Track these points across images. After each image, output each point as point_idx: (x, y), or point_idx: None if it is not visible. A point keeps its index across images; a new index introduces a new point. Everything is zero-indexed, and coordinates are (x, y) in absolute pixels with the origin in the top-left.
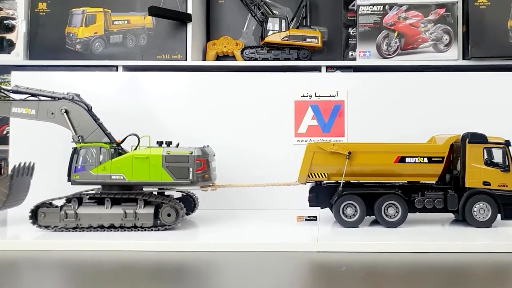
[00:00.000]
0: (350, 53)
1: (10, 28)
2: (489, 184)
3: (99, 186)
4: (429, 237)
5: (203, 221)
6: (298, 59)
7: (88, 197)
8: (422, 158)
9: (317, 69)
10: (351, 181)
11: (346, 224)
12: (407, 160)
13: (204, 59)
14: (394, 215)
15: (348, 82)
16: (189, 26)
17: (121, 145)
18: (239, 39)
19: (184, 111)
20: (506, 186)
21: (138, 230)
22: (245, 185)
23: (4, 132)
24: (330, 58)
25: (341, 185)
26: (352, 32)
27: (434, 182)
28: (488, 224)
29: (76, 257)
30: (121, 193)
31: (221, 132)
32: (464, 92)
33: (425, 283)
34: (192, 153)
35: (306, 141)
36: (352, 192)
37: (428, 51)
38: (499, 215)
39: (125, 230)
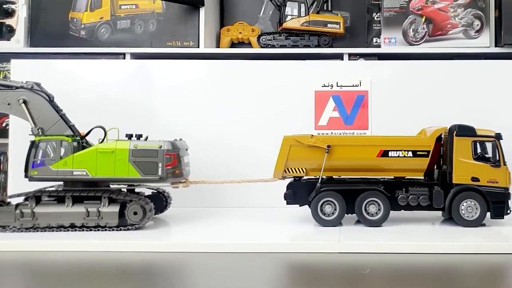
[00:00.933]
0: (374, 39)
1: (10, 13)
2: (478, 180)
3: (62, 183)
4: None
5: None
6: (318, 46)
7: (47, 194)
8: (406, 152)
9: (339, 57)
10: (334, 177)
11: (324, 223)
12: (390, 154)
13: (218, 46)
14: (376, 213)
15: (372, 71)
16: (202, 11)
17: (91, 139)
18: (255, 25)
19: (196, 102)
20: (497, 182)
21: (102, 230)
22: (219, 182)
23: (4, 125)
24: (353, 45)
25: (319, 181)
26: (377, 17)
27: (422, 177)
28: (476, 223)
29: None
30: (83, 190)
31: (235, 124)
32: (496, 81)
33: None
34: (161, 147)
35: (327, 134)
36: (331, 188)
37: (457, 37)
38: (488, 213)
39: (89, 230)
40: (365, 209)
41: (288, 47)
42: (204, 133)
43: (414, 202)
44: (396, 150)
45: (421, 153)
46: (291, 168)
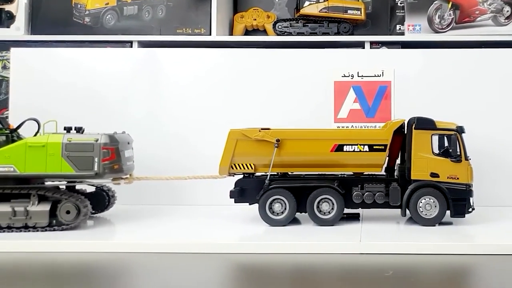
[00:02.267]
0: (398, 27)
1: None
2: (437, 176)
3: None
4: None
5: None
6: (338, 33)
7: None
8: (362, 146)
9: (360, 45)
10: (289, 173)
11: (272, 222)
12: (345, 148)
13: (231, 34)
14: (329, 211)
15: (395, 60)
16: None
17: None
18: (271, 11)
19: (208, 93)
20: (457, 178)
21: (30, 230)
22: (163, 178)
23: (4, 117)
24: (375, 32)
25: (267, 178)
26: (400, 3)
27: (384, 174)
28: (434, 221)
29: None
30: (9, 188)
31: (249, 115)
32: None
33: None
34: (97, 140)
35: (347, 127)
36: (280, 185)
37: (486, 24)
38: (448, 211)
39: (19, 231)
40: (318, 207)
41: (305, 35)
42: (215, 124)
43: (370, 200)
44: (351, 145)
45: (378, 147)
46: (238, 164)
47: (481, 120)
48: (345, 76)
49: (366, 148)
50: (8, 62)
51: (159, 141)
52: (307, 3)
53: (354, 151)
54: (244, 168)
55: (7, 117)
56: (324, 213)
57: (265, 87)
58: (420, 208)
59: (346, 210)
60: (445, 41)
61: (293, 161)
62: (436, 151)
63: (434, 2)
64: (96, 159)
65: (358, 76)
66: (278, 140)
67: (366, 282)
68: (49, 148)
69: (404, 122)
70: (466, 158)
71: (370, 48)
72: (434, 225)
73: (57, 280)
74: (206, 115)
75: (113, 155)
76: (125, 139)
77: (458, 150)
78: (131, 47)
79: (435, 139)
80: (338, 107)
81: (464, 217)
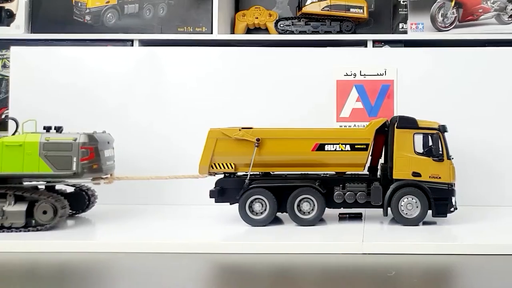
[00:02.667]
0: (401, 25)
1: None
2: (419, 175)
3: None
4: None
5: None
6: (340, 32)
7: None
8: (343, 146)
9: (363, 43)
10: (271, 173)
11: (253, 222)
12: (326, 147)
13: (233, 32)
14: (309, 211)
15: (398, 59)
16: None
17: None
18: (273, 9)
19: (209, 92)
20: (439, 177)
21: (5, 231)
22: (143, 178)
23: (3, 116)
24: (377, 31)
25: (248, 177)
26: (403, 1)
27: (367, 173)
28: (416, 221)
29: None
30: None
31: (251, 115)
32: None
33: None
34: (76, 139)
35: (350, 126)
36: (260, 185)
37: (490, 23)
38: (430, 211)
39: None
40: (298, 207)
41: (308, 33)
42: (216, 124)
43: (351, 199)
44: (333, 144)
45: (359, 146)
46: (218, 164)
47: (484, 119)
48: (347, 75)
49: (348, 147)
50: (8, 60)
51: (159, 141)
52: (309, 1)
53: (335, 150)
54: (224, 168)
55: (6, 116)
56: (305, 213)
57: (267, 86)
58: (402, 208)
59: (349, 211)
60: (448, 40)
61: (274, 161)
62: (419, 150)
63: (437, 1)
64: (74, 159)
65: (361, 75)
66: (258, 140)
67: (368, 282)
68: (27, 148)
69: (387, 121)
70: (449, 157)
71: (373, 46)
72: (417, 225)
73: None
74: (207, 115)
75: (92, 155)
76: (105, 139)
77: (440, 149)
78: (132, 45)
79: (419, 138)
80: (340, 106)
81: (446, 216)
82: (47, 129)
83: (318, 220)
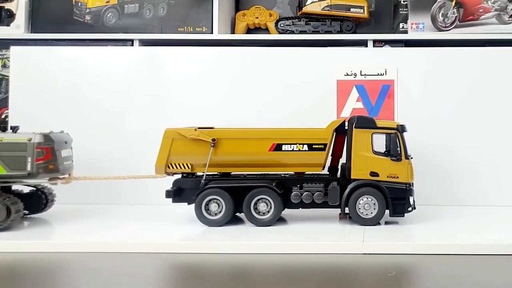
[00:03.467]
0: (401, 25)
1: None
2: (377, 175)
3: None
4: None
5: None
6: (340, 32)
7: None
8: (301, 146)
9: (363, 43)
10: (232, 173)
11: (209, 222)
12: (283, 148)
13: (233, 32)
14: (266, 212)
15: (398, 59)
16: None
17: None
18: (273, 9)
19: (209, 92)
20: (397, 177)
21: None
22: (101, 178)
23: (3, 116)
24: (378, 31)
25: (203, 177)
26: (403, 1)
27: (327, 173)
28: (374, 221)
29: None
30: None
31: (251, 115)
32: None
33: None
34: (30, 139)
35: None
36: (216, 185)
37: (490, 22)
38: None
39: None
40: (255, 208)
41: (308, 33)
42: (217, 123)
43: (308, 200)
44: (290, 144)
45: (317, 146)
46: (174, 164)
47: (483, 119)
48: (347, 74)
49: (306, 147)
50: (8, 60)
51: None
52: (309, 1)
53: (293, 150)
54: (181, 168)
55: (6, 117)
56: (262, 213)
57: (267, 86)
58: (359, 207)
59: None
60: (449, 40)
61: (231, 161)
62: (379, 150)
63: (438, 0)
64: (29, 159)
65: (361, 75)
66: (214, 140)
67: (368, 282)
68: None
69: (346, 121)
70: (407, 157)
71: (373, 46)
72: (374, 225)
73: None
74: (207, 114)
75: (48, 155)
76: (62, 138)
77: (398, 149)
78: (132, 45)
79: (381, 138)
80: (340, 106)
81: (403, 216)
82: (3, 129)
83: (275, 220)
